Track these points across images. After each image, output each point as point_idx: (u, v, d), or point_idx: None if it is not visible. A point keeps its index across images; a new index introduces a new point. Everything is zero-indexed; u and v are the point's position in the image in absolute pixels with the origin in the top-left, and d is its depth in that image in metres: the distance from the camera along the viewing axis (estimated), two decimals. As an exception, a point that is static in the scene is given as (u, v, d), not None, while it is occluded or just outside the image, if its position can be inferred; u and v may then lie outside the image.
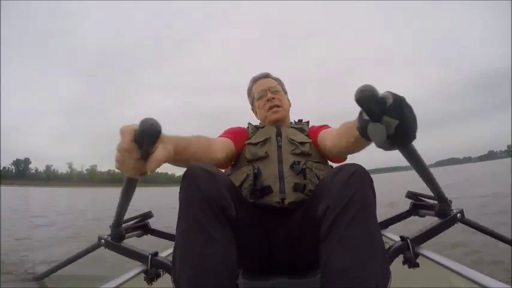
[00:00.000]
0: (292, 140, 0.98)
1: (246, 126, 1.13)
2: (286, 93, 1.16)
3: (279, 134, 1.01)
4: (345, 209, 0.62)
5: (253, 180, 0.90)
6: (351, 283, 0.56)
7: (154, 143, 0.46)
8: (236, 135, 1.00)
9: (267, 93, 1.08)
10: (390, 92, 0.41)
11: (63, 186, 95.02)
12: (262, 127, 1.07)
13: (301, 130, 1.06)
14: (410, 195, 1.05)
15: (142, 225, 1.19)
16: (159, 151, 0.47)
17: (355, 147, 0.72)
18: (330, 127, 1.01)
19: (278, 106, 1.06)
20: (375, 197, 0.67)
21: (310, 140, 1.00)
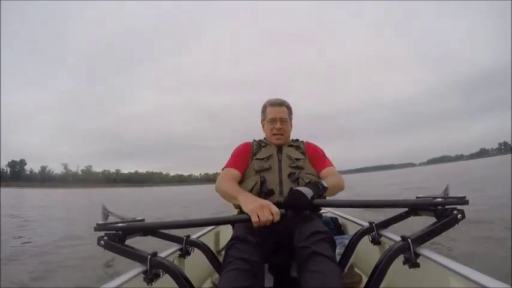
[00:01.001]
0: (290, 156, 1.30)
1: (250, 140, 1.44)
2: (291, 119, 1.45)
3: (279, 151, 1.34)
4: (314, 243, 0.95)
5: (260, 185, 1.20)
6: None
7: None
8: (240, 158, 1.33)
9: (277, 122, 1.36)
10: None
11: (59, 187, 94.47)
12: (264, 145, 1.38)
13: (298, 148, 1.38)
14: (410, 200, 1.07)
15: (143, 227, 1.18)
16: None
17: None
18: (328, 163, 1.34)
19: (282, 134, 1.37)
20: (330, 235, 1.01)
21: (303, 157, 1.32)
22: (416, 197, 1.00)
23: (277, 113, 1.37)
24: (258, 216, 0.92)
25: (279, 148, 1.34)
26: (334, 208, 2.16)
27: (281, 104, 1.40)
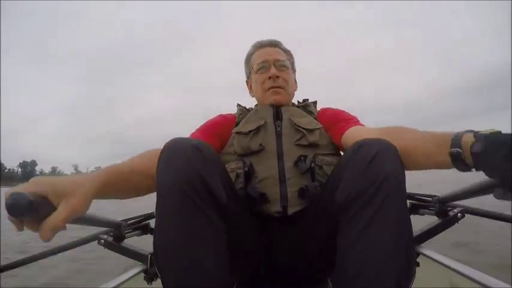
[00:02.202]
0: (298, 125, 0.76)
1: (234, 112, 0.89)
2: (294, 71, 0.92)
3: (278, 117, 0.79)
4: (374, 194, 0.48)
5: (244, 181, 0.69)
6: (368, 283, 0.46)
7: (24, 215, 0.40)
8: (214, 131, 0.80)
9: (270, 67, 0.83)
10: None
11: None
12: (256, 109, 0.85)
13: (308, 111, 0.84)
14: (410, 194, 1.05)
15: (143, 226, 1.20)
16: (58, 213, 0.42)
17: (431, 168, 0.53)
18: (359, 122, 0.77)
19: (281, 87, 0.83)
20: (404, 178, 0.52)
21: (320, 126, 0.78)
22: (417, 196, 0.99)
23: (270, 54, 0.86)
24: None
25: (277, 112, 0.80)
26: None
27: (275, 43, 0.89)
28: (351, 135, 0.69)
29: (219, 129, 0.81)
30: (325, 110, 0.87)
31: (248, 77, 0.93)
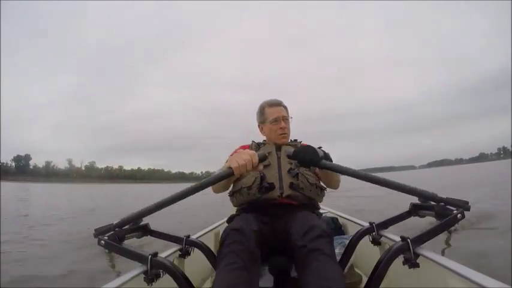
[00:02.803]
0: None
1: (249, 142, 1.44)
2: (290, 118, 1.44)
3: (278, 149, 1.33)
4: (311, 242, 0.93)
5: (260, 181, 1.20)
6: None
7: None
8: None
9: (281, 122, 1.34)
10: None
11: (62, 182, 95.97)
12: (263, 144, 1.39)
13: (295, 146, 1.34)
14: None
15: (142, 226, 1.20)
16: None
17: (325, 178, 1.27)
18: None
19: (286, 134, 1.37)
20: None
21: None
22: (418, 199, 1.01)
23: (279, 112, 1.36)
24: (237, 162, 0.90)
25: (278, 147, 1.34)
26: (334, 209, 2.18)
27: (280, 103, 1.39)
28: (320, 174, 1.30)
29: None
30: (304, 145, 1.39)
31: (262, 122, 1.42)
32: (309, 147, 1.00)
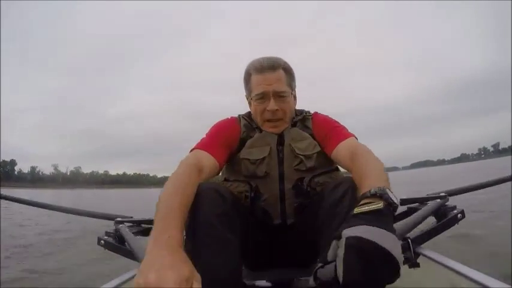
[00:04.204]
0: (297, 153, 0.84)
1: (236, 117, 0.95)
2: (293, 89, 0.93)
3: (280, 143, 0.86)
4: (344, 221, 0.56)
5: (251, 200, 0.83)
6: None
7: None
8: (223, 140, 0.86)
9: (269, 100, 0.85)
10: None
11: (48, 188, 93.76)
12: (258, 128, 0.90)
13: (305, 127, 0.89)
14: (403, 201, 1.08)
15: (145, 229, 1.18)
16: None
17: None
18: (345, 134, 0.85)
19: (279, 119, 0.87)
20: None
21: (317, 149, 0.86)
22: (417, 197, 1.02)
23: (268, 82, 0.85)
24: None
25: (280, 136, 0.87)
26: None
27: (273, 66, 0.86)
28: (340, 151, 0.81)
29: (225, 139, 0.87)
30: (318, 119, 0.92)
31: (247, 95, 0.94)
32: (371, 254, 0.45)
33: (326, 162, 0.87)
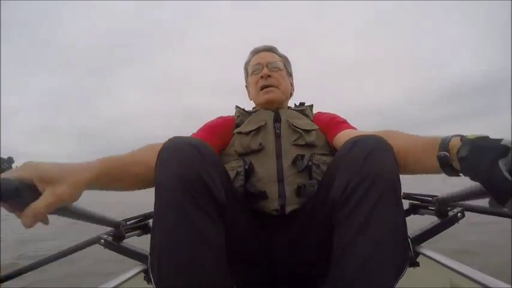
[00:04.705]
0: (295, 126, 0.80)
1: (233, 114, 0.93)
2: (290, 75, 0.96)
3: (277, 119, 0.83)
4: (370, 190, 0.49)
5: (244, 179, 0.72)
6: (369, 279, 0.47)
7: (11, 201, 0.40)
8: (219, 128, 0.84)
9: (263, 68, 0.88)
10: None
11: None
12: (255, 112, 0.88)
13: (304, 114, 0.88)
14: (406, 196, 1.06)
15: (143, 225, 1.19)
16: (40, 200, 0.41)
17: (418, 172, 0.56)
18: (349, 125, 0.83)
19: (273, 86, 0.87)
20: (399, 175, 0.53)
21: (316, 127, 0.83)
22: (417, 196, 1.01)
23: (263, 58, 0.91)
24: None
25: (276, 115, 0.84)
26: None
27: (269, 48, 0.94)
28: (343, 138, 0.72)
29: (220, 129, 0.85)
30: (320, 114, 0.92)
31: (246, 81, 0.98)
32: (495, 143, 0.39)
33: (327, 146, 0.82)
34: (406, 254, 0.54)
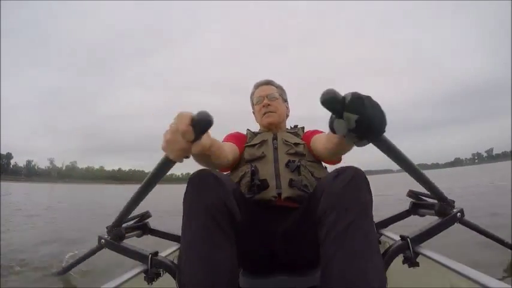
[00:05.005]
0: (287, 141, 1.08)
1: (244, 131, 1.22)
2: (285, 101, 1.25)
3: (275, 138, 1.11)
4: (345, 212, 0.66)
5: (251, 176, 0.96)
6: (349, 287, 0.59)
7: (207, 130, 0.52)
8: (237, 140, 1.12)
9: (264, 100, 1.17)
10: (351, 92, 0.48)
11: (44, 182, 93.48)
12: (260, 133, 1.17)
13: (296, 134, 1.16)
14: (411, 194, 1.07)
15: (142, 225, 1.19)
16: (204, 138, 0.55)
17: (341, 148, 0.83)
18: (322, 132, 1.10)
19: (272, 112, 1.16)
20: (372, 201, 0.71)
21: (304, 142, 1.10)
22: (417, 196, 1.02)
23: (264, 91, 1.20)
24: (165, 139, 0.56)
25: (275, 135, 1.13)
26: None
27: (267, 82, 1.24)
28: (316, 140, 1.04)
29: (239, 139, 1.14)
30: (307, 131, 1.18)
31: (252, 108, 1.27)
32: (367, 99, 0.52)
33: (313, 156, 1.07)
34: (380, 265, 0.65)
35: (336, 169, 0.76)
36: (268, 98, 1.17)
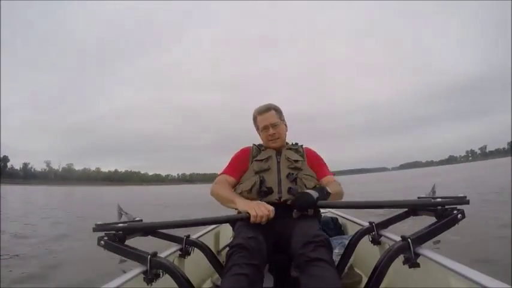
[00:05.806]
0: (288, 158, 1.36)
1: (240, 128, 1.54)
2: (283, 120, 1.49)
3: (278, 154, 1.39)
4: (313, 250, 0.96)
5: (260, 185, 1.27)
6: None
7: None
8: (238, 164, 1.40)
9: (269, 129, 1.41)
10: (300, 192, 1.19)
11: (41, 184, 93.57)
12: (264, 148, 1.44)
13: (297, 151, 1.44)
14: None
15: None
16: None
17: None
18: (327, 171, 1.42)
19: (277, 138, 1.42)
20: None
21: (302, 159, 1.39)
22: (418, 197, 1.02)
23: (266, 120, 1.42)
24: (256, 212, 1.04)
25: (278, 151, 1.40)
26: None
27: (267, 109, 1.44)
28: (324, 181, 1.35)
29: (241, 161, 1.42)
30: (309, 150, 1.49)
31: (257, 130, 1.50)
32: (303, 194, 1.12)
33: (308, 170, 1.36)
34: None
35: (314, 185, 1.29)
36: (273, 127, 1.41)
